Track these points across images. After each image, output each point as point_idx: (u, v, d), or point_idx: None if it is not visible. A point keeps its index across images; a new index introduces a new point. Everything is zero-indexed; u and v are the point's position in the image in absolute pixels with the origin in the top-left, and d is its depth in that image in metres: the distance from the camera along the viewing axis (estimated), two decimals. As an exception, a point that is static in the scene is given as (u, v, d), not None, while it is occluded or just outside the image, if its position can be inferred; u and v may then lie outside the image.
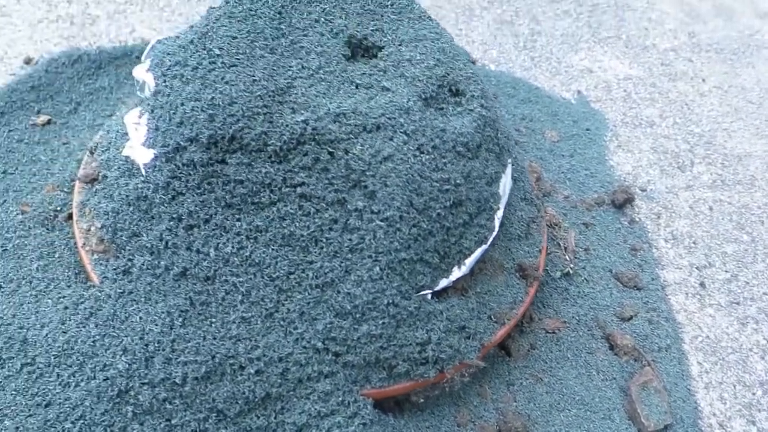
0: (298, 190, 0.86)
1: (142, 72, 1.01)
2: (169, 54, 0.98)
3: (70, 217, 1.09)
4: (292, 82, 0.91)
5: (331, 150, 0.86)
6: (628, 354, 1.12)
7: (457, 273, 0.93)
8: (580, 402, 1.06)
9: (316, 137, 0.86)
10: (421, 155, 0.87)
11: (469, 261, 0.94)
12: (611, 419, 1.04)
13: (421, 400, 0.97)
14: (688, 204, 1.42)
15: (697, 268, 1.30)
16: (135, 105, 1.07)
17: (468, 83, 0.95)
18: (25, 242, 1.06)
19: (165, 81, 0.94)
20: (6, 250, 1.05)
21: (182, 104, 0.89)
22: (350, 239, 0.86)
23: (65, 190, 1.13)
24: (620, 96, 1.66)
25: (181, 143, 0.87)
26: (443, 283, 0.92)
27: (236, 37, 0.92)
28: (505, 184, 0.99)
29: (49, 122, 1.26)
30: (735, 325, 1.22)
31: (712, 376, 1.14)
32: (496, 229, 0.96)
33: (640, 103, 1.65)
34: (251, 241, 0.86)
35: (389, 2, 1.04)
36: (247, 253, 0.86)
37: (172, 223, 0.88)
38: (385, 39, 1.00)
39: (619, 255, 1.28)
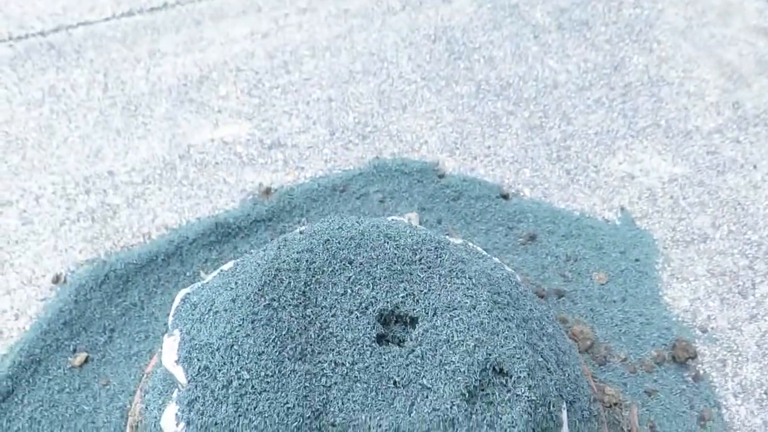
0: None
1: (170, 362, 0.98)
2: (195, 350, 0.94)
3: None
4: (327, 394, 0.86)
5: (377, 479, 0.82)
6: None
7: None
8: None
9: (361, 467, 0.82)
10: (473, 473, 0.82)
11: None
12: None
13: None
14: (754, 341, 1.34)
15: (771, 426, 1.23)
16: (165, 381, 1.04)
17: (512, 361, 0.89)
18: None
19: (197, 389, 0.91)
20: None
21: (217, 433, 0.85)
22: None
23: (112, 455, 1.12)
24: (667, 205, 1.56)
25: (222, 480, 0.84)
26: None
27: (263, 353, 0.88)
28: (563, 441, 0.94)
29: (86, 360, 1.24)
30: (820, 498, 1.15)
31: None
32: (560, 505, 0.91)
33: (689, 211, 1.55)
34: None
35: (417, 257, 0.98)
36: None
37: None
38: (418, 308, 0.94)
39: (687, 428, 1.21)
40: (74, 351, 1.26)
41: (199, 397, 0.90)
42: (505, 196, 1.55)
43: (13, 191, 1.52)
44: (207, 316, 0.98)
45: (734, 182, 1.61)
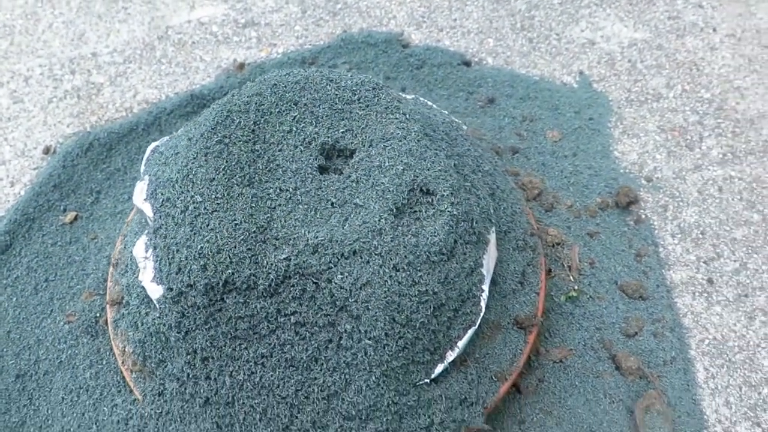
0: (292, 318, 0.95)
1: (140, 200, 1.09)
2: (160, 186, 1.05)
3: (107, 322, 1.22)
4: (271, 214, 0.98)
5: (315, 281, 0.93)
6: (634, 374, 1.20)
7: (451, 355, 1.01)
8: (588, 429, 1.15)
9: (300, 271, 0.94)
10: (397, 274, 0.93)
11: (461, 343, 1.01)
12: (619, 444, 1.14)
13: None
14: (696, 188, 1.43)
15: (704, 262, 1.33)
16: (140, 222, 1.16)
17: (437, 182, 0.99)
18: (76, 352, 1.20)
19: (161, 217, 1.03)
20: (61, 362, 1.20)
21: (177, 250, 0.97)
22: (345, 356, 0.95)
23: (100, 293, 1.26)
24: (624, 69, 1.62)
25: (182, 288, 0.96)
26: (439, 368, 1.01)
27: (214, 179, 0.99)
28: (489, 260, 1.05)
29: (76, 218, 1.37)
30: (742, 320, 1.26)
31: (718, 380, 1.20)
32: (483, 309, 1.02)
33: (645, 73, 1.61)
34: (259, 366, 0.97)
35: (356, 97, 1.07)
36: (258, 378, 0.97)
37: (189, 356, 0.99)
38: (356, 141, 1.04)
39: (625, 263, 1.32)
40: (64, 210, 1.38)
41: (162, 224, 1.02)
42: (467, 63, 1.62)
43: (3, 74, 1.62)
44: (170, 158, 1.09)
45: (692, 45, 1.66)
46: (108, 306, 1.15)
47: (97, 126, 1.51)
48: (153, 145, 1.20)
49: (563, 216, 1.38)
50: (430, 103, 1.27)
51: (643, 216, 1.39)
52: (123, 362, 1.10)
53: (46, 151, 1.47)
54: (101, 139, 1.46)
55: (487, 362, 1.08)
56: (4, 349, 1.21)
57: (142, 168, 1.17)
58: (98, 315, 1.23)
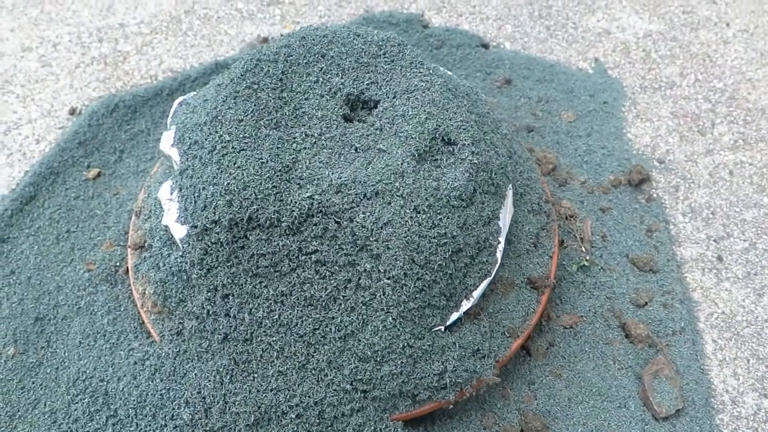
0: (313, 257, 0.97)
1: (167, 146, 1.12)
2: (188, 131, 1.08)
3: (128, 270, 1.24)
4: (296, 155, 1.00)
5: (337, 220, 0.96)
6: (643, 342, 1.21)
7: (466, 305, 1.03)
8: (597, 393, 1.16)
9: (323, 209, 0.96)
10: (418, 215, 0.96)
11: (476, 293, 1.03)
12: (627, 407, 1.15)
13: (450, 407, 1.10)
14: (707, 171, 1.45)
15: (714, 240, 1.35)
16: (165, 172, 1.19)
17: (459, 132, 1.02)
18: (95, 298, 1.22)
19: (187, 160, 1.05)
20: (80, 307, 1.22)
21: (203, 188, 1.00)
22: (363, 296, 0.97)
23: (121, 244, 1.28)
24: (639, 57, 1.66)
25: (207, 225, 0.99)
26: (454, 316, 1.03)
27: (242, 120, 1.01)
28: (506, 214, 1.07)
29: (99, 175, 1.40)
30: (751, 296, 1.28)
31: (726, 352, 1.22)
32: (499, 260, 1.04)
33: (659, 62, 1.65)
34: (278, 304, 0.99)
35: (382, 51, 1.10)
36: (276, 316, 0.99)
37: (209, 293, 1.01)
38: (380, 92, 1.07)
39: (636, 238, 1.34)
40: (88, 167, 1.41)
41: (189, 165, 1.05)
42: (485, 46, 1.65)
43: (33, 39, 1.66)
44: (198, 107, 1.12)
45: (706, 38, 1.70)
46: (129, 251, 1.17)
47: (122, 90, 1.55)
48: (180, 99, 1.23)
49: (576, 191, 1.40)
50: (450, 73, 1.31)
51: (655, 195, 1.41)
52: (142, 305, 1.12)
53: (72, 112, 1.51)
54: (126, 101, 1.49)
55: (500, 317, 1.10)
56: (25, 293, 1.23)
57: (169, 120, 1.20)
58: (118, 264, 1.25)
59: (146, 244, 1.14)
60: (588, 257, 1.30)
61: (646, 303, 1.26)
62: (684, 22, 1.72)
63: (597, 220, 1.37)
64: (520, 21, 1.73)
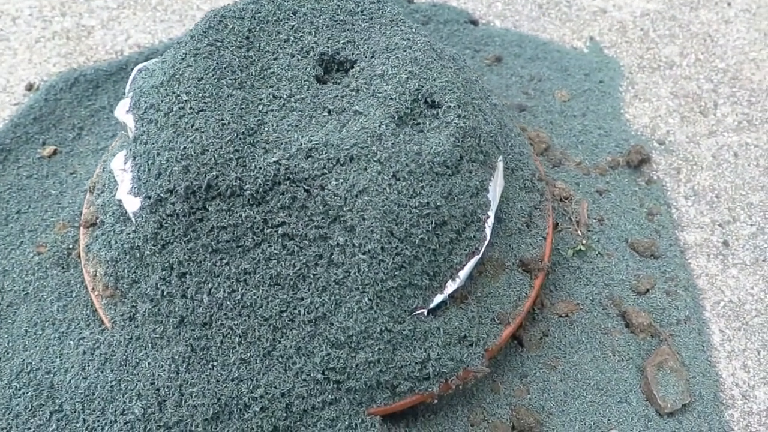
0: (280, 230, 0.87)
1: (122, 113, 1.02)
2: (144, 95, 0.97)
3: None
4: (262, 118, 0.90)
5: (306, 188, 0.85)
6: (645, 331, 1.11)
7: (452, 286, 0.93)
8: (596, 387, 1.06)
9: (290, 176, 0.85)
10: (397, 182, 0.85)
11: (463, 273, 0.93)
12: (628, 402, 1.04)
13: (435, 401, 0.99)
14: (710, 153, 1.36)
15: (719, 225, 1.26)
16: (123, 145, 1.08)
17: (444, 93, 0.92)
18: (44, 284, 1.11)
19: (142, 125, 0.95)
20: (27, 293, 1.10)
21: (158, 154, 0.89)
22: (336, 273, 0.86)
23: (75, 225, 1.17)
24: (637, 36, 1.57)
25: (162, 195, 0.88)
26: (438, 298, 0.92)
27: (202, 78, 0.91)
28: (496, 187, 0.97)
29: (55, 153, 1.28)
30: (760, 284, 1.18)
31: (735, 343, 1.12)
32: (488, 237, 0.94)
33: (658, 41, 1.56)
34: (241, 284, 0.88)
35: (359, 8, 1.00)
36: (239, 296, 0.88)
37: (164, 272, 0.90)
38: (357, 52, 0.97)
39: (636, 222, 1.24)
40: (43, 144, 1.30)
41: (144, 131, 0.94)
42: (474, 22, 1.56)
43: (-9, 13, 1.56)
44: (157, 70, 1.02)
45: (706, 17, 1.61)
46: (81, 230, 1.06)
47: (84, 66, 1.44)
48: (140, 65, 1.12)
49: (572, 173, 1.30)
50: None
51: (655, 177, 1.32)
52: (93, 288, 1.01)
53: (29, 87, 1.40)
54: (88, 75, 1.39)
55: (489, 302, 0.99)
56: (-34, 278, 1.12)
57: (127, 87, 1.09)
58: (71, 247, 1.14)
59: (98, 221, 1.03)
60: (584, 241, 1.19)
61: (648, 290, 1.16)
62: (683, 2, 1.64)
63: (594, 202, 1.27)
64: (510, -1, 1.64)
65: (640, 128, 1.40)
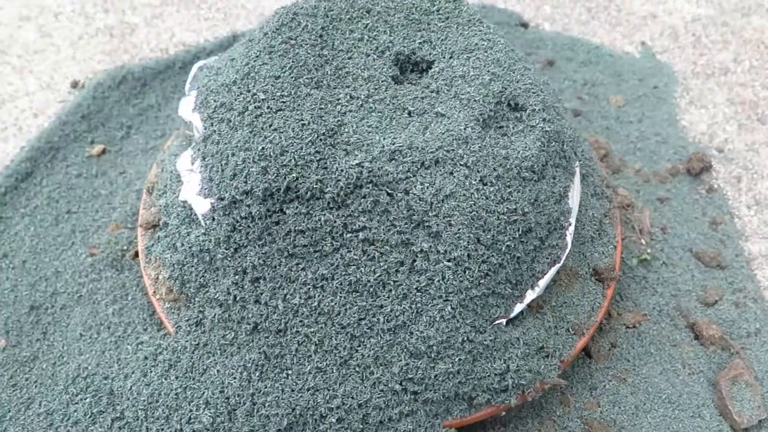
0: (360, 235, 0.83)
1: (188, 112, 0.99)
2: (212, 93, 0.94)
3: (136, 255, 1.10)
4: (342, 118, 0.87)
5: (390, 191, 0.82)
6: (715, 344, 1.08)
7: (531, 295, 0.90)
8: (667, 400, 1.03)
9: (373, 179, 0.82)
10: (485, 188, 0.82)
11: (543, 282, 0.90)
12: (701, 417, 1.01)
13: (503, 414, 0.96)
14: (770, 161, 1.33)
15: (784, 235, 1.23)
16: (182, 144, 1.05)
17: (528, 96, 0.89)
18: (98, 286, 1.08)
19: (213, 125, 0.92)
20: (81, 296, 1.07)
21: (233, 154, 0.86)
22: (418, 281, 0.83)
23: (128, 226, 1.14)
24: (689, 42, 1.54)
25: (237, 197, 0.85)
26: (518, 308, 0.89)
27: (279, 77, 0.88)
28: (575, 193, 0.94)
29: (103, 152, 1.25)
30: (830, 295, 1.16)
31: (809, 358, 1.09)
32: (569, 246, 0.91)
33: (711, 47, 1.53)
34: (318, 290, 0.85)
35: (435, 8, 0.97)
36: (315, 303, 0.85)
37: (237, 276, 0.87)
38: (435, 52, 0.94)
39: (699, 231, 1.22)
40: (92, 143, 1.27)
41: (215, 131, 0.91)
42: (525, 25, 1.53)
43: (31, 8, 1.52)
44: (223, 68, 0.99)
45: (759, 24, 1.58)
46: (140, 231, 1.03)
47: (130, 63, 1.41)
48: (199, 63, 1.09)
49: (631, 180, 1.27)
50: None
51: (716, 186, 1.29)
52: (155, 292, 0.97)
53: (74, 85, 1.37)
54: (135, 73, 1.36)
55: (564, 312, 0.96)
56: (19, 279, 1.08)
57: (187, 85, 1.06)
58: (125, 248, 1.11)
59: (161, 223, 1.00)
60: (649, 250, 1.16)
61: (716, 301, 1.13)
62: (734, 8, 1.61)
63: (655, 210, 1.24)
64: (559, 1, 1.61)
65: (698, 135, 1.37)
